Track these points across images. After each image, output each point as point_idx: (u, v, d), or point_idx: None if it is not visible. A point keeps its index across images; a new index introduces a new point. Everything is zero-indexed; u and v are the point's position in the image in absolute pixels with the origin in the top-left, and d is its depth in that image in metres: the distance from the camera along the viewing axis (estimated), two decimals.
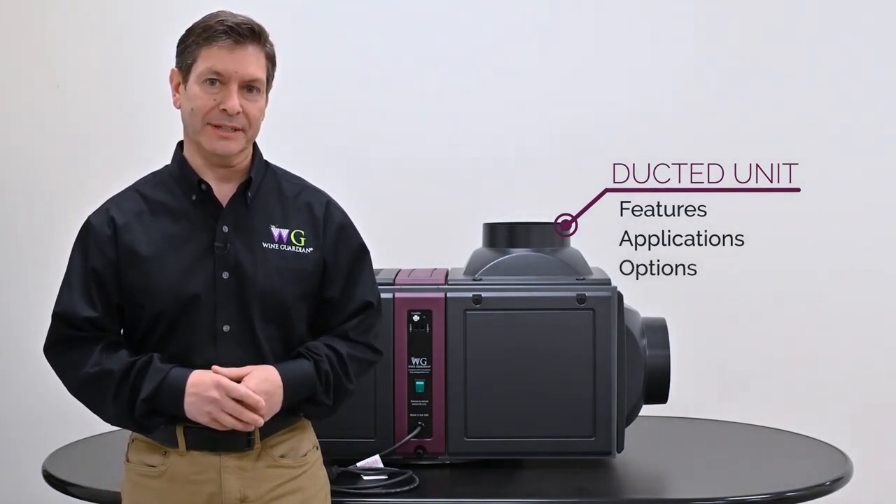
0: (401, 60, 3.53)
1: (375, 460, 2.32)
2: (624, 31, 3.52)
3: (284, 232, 1.99)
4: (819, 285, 3.49)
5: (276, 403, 1.91)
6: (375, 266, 2.40)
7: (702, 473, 2.48)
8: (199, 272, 1.92)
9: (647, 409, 2.54)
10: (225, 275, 1.93)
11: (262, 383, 1.88)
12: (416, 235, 3.48)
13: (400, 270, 2.54)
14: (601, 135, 3.51)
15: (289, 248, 1.98)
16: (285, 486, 1.98)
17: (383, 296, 2.30)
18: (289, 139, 3.46)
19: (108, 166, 3.50)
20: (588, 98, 3.52)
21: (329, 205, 2.06)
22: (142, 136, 3.48)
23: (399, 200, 3.52)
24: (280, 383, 1.91)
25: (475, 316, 2.37)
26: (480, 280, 2.43)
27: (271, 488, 1.96)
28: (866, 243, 3.49)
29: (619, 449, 2.39)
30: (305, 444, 2.04)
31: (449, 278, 2.45)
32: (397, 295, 2.38)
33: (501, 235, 2.55)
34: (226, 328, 1.92)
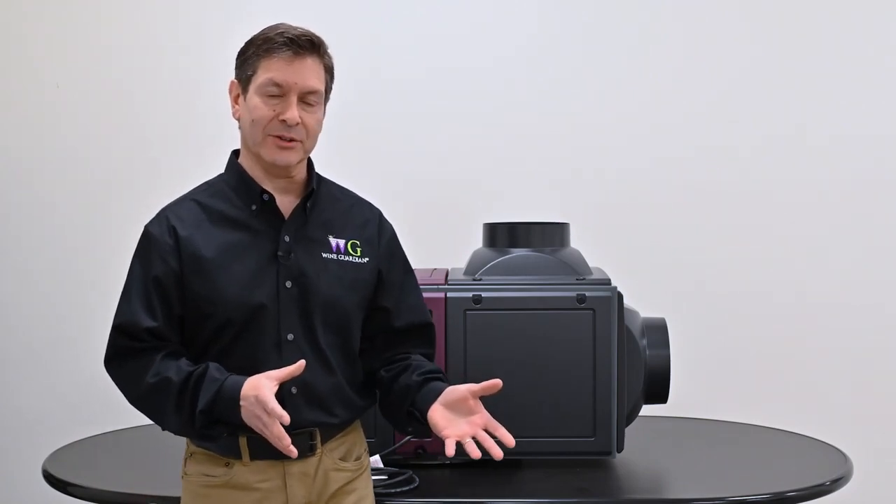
0: (401, 60, 3.53)
1: (375, 460, 2.32)
2: (625, 32, 3.52)
3: (342, 242, 2.01)
4: (819, 285, 3.49)
5: None
6: None
7: (702, 473, 2.48)
8: (264, 281, 1.92)
9: (647, 409, 2.54)
10: (288, 284, 1.93)
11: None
12: (416, 235, 3.47)
13: None
14: (601, 134, 3.51)
15: (346, 257, 2.00)
16: (345, 487, 2.00)
17: None
18: None
19: (108, 166, 3.51)
20: (588, 98, 3.52)
21: (381, 218, 2.11)
22: (142, 136, 3.49)
23: (399, 200, 3.51)
24: None
25: (475, 316, 2.38)
26: (480, 280, 2.43)
27: (333, 491, 1.98)
28: (867, 243, 3.49)
29: (619, 449, 2.39)
30: (359, 446, 2.07)
31: (449, 278, 2.45)
32: None
33: (501, 235, 2.55)
34: (290, 336, 1.93)
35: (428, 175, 3.52)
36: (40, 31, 3.58)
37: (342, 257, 2.00)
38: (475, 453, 1.82)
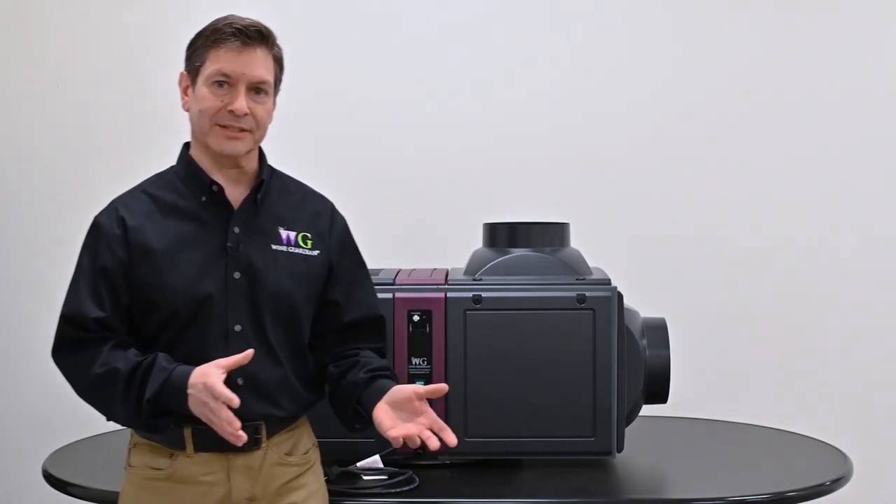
0: (401, 60, 3.53)
1: (375, 460, 2.32)
2: (626, 32, 3.52)
3: (292, 234, 2.01)
4: (819, 285, 3.49)
5: None
6: (375, 266, 2.40)
7: (702, 473, 2.48)
8: (212, 272, 1.93)
9: (647, 409, 2.54)
10: (237, 275, 1.94)
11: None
12: (416, 235, 3.48)
13: (400, 270, 2.54)
14: (601, 134, 3.51)
15: (296, 250, 2.01)
16: (291, 483, 1.99)
17: (383, 296, 2.31)
18: (289, 139, 3.47)
19: (108, 166, 3.51)
20: (588, 98, 3.51)
21: (333, 211, 2.11)
22: (143, 135, 3.48)
23: (399, 200, 3.52)
24: None
25: (475, 316, 2.38)
26: (480, 280, 2.43)
27: (278, 486, 1.97)
28: (867, 243, 3.48)
29: (619, 449, 2.39)
30: (306, 441, 2.06)
31: (449, 278, 2.45)
32: (397, 295, 2.38)
33: (501, 235, 2.55)
34: (237, 328, 1.93)
35: (428, 175, 3.52)
36: (40, 30, 3.58)
37: (292, 249, 2.00)
38: (415, 444, 1.87)
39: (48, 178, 3.60)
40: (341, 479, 2.24)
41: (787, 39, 3.49)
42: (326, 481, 2.15)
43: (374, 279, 2.33)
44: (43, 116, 3.59)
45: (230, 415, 1.78)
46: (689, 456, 2.64)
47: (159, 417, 1.88)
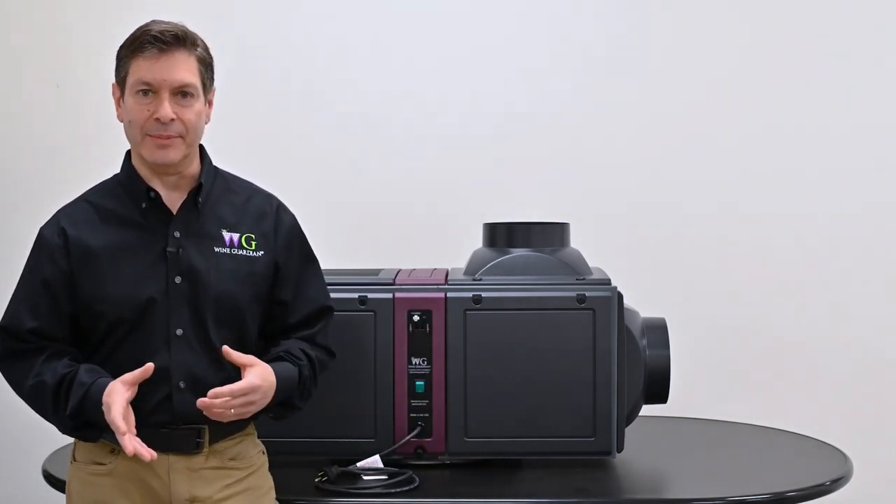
0: (401, 60, 3.52)
1: (375, 460, 2.32)
2: (624, 31, 3.51)
3: (235, 236, 2.01)
4: (819, 285, 3.48)
5: (265, 403, 1.93)
6: (375, 266, 2.40)
7: (702, 473, 2.48)
8: (153, 277, 1.94)
9: (647, 409, 2.54)
10: (178, 279, 1.95)
11: (263, 380, 1.90)
12: (416, 235, 3.48)
13: (400, 270, 2.54)
14: (601, 134, 3.51)
15: (240, 251, 2.01)
16: (234, 486, 2.00)
17: (383, 296, 2.32)
18: (289, 140, 3.47)
19: (108, 166, 3.50)
20: (588, 98, 3.51)
21: (279, 209, 2.09)
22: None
23: (399, 200, 3.52)
24: (275, 384, 1.93)
25: (475, 316, 2.38)
26: (480, 280, 2.43)
27: (220, 488, 1.98)
28: (867, 244, 3.48)
29: (619, 449, 2.39)
30: (252, 449, 2.07)
31: (449, 278, 2.45)
32: (397, 295, 2.38)
33: (501, 235, 2.55)
34: (179, 332, 1.94)
35: (428, 175, 3.52)
36: (40, 30, 3.58)
37: (235, 251, 2.00)
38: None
39: (48, 178, 3.59)
40: (341, 479, 2.24)
41: (787, 38, 3.49)
42: (326, 481, 2.15)
43: (374, 279, 2.34)
44: (43, 116, 3.59)
45: (129, 441, 1.77)
46: (689, 456, 2.64)
47: (84, 430, 1.91)
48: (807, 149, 3.49)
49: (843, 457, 2.48)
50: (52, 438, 2.80)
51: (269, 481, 2.10)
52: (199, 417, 1.90)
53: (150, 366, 1.85)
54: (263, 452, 2.11)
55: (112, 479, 1.95)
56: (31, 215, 3.63)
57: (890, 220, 3.49)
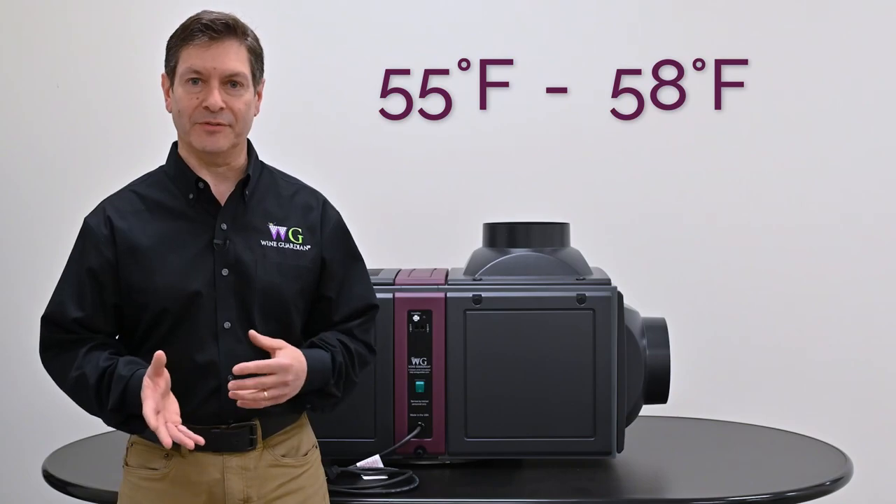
0: (401, 60, 3.53)
1: (375, 460, 2.32)
2: (624, 31, 3.51)
3: (282, 230, 2.00)
4: (820, 285, 3.48)
5: (298, 386, 1.91)
6: (375, 266, 2.40)
7: (702, 473, 2.48)
8: (200, 269, 1.92)
9: (647, 409, 2.54)
10: (225, 271, 1.93)
11: (293, 361, 1.88)
12: (416, 235, 3.48)
13: (400, 270, 2.54)
14: (601, 134, 3.51)
15: (287, 245, 1.99)
16: (287, 485, 1.98)
17: (383, 296, 2.31)
18: (288, 138, 3.47)
19: (108, 166, 3.50)
20: (588, 98, 3.51)
21: (325, 204, 2.09)
22: (142, 136, 3.48)
23: (399, 200, 3.52)
24: (306, 366, 1.91)
25: (475, 316, 2.37)
26: (480, 280, 2.43)
27: (274, 488, 1.96)
28: (868, 244, 3.48)
29: (619, 449, 2.39)
30: (306, 442, 2.05)
31: (449, 278, 2.45)
32: (397, 295, 2.38)
33: (501, 235, 2.55)
34: (227, 325, 1.92)
35: (428, 175, 3.52)
36: (40, 30, 3.58)
37: (282, 245, 1.99)
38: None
39: (48, 178, 3.60)
40: (341, 479, 2.24)
41: (787, 38, 3.49)
42: (327, 481, 2.15)
43: (374, 279, 2.33)
44: (43, 116, 3.59)
45: (163, 432, 1.75)
46: (689, 456, 2.64)
47: (131, 423, 1.88)
48: (808, 150, 3.49)
49: (843, 457, 2.48)
50: (53, 438, 2.82)
51: (319, 479, 2.07)
52: (249, 412, 1.89)
53: (160, 353, 1.81)
54: (316, 447, 2.09)
55: (163, 484, 1.93)
56: (31, 215, 3.66)
57: (890, 220, 3.49)
